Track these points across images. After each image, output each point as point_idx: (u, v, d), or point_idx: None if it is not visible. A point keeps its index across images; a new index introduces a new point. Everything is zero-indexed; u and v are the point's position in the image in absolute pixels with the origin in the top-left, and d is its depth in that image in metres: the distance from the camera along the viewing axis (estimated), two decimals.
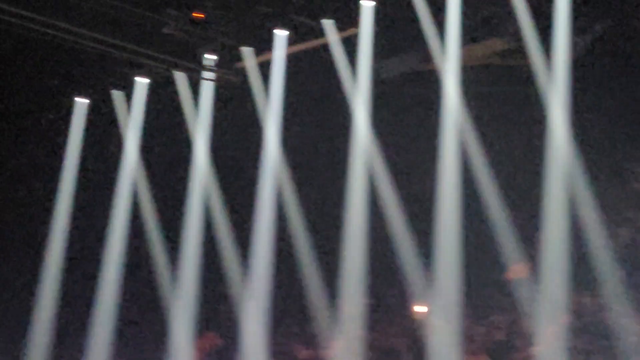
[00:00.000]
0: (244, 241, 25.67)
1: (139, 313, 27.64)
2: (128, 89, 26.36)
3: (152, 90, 26.35)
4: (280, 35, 24.25)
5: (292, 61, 25.30)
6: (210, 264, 26.16)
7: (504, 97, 25.59)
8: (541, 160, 23.18)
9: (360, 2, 23.24)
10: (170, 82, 26.06)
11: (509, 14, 22.55)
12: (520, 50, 23.24)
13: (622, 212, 26.33)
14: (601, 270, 23.17)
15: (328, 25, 23.81)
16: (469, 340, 24.69)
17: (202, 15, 23.34)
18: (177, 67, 25.23)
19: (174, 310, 26.13)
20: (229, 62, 24.87)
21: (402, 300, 25.24)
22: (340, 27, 23.93)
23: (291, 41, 24.65)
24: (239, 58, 25.15)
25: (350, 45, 24.27)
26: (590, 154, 23.43)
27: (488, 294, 25.53)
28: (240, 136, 27.04)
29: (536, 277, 23.66)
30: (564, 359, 22.75)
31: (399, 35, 23.97)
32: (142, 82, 26.02)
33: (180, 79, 25.92)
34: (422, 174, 24.60)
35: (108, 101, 26.78)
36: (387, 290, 26.17)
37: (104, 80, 26.15)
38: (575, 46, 22.98)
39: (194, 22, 23.42)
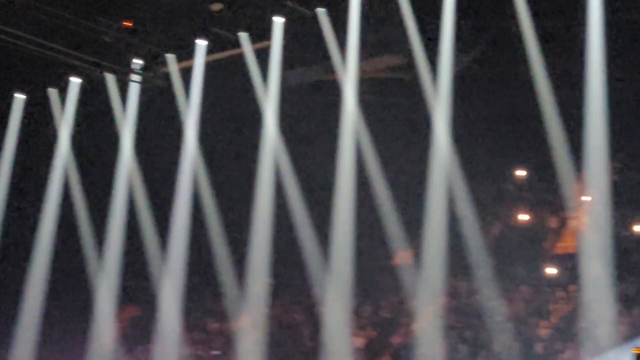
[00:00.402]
0: (164, 225, 25.79)
1: (66, 289, 27.34)
2: (64, 89, 26.32)
3: (85, 89, 26.32)
4: (201, 44, 24.44)
5: (213, 68, 25.38)
6: (132, 245, 26.24)
7: (395, 106, 26.01)
8: (426, 162, 23.72)
9: (273, 18, 23.43)
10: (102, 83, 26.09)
11: (402, 34, 23.02)
12: (410, 65, 23.69)
13: (494, 210, 27.21)
14: (474, 258, 23.91)
15: (244, 37, 24.08)
16: (358, 317, 25.26)
17: (131, 24, 23.57)
18: (107, 69, 25.25)
19: (98, 285, 26.17)
20: (155, 67, 25.01)
21: (302, 280, 25.28)
22: (255, 40, 24.19)
23: (212, 50, 24.85)
24: (164, 63, 25.28)
25: (264, 56, 24.44)
26: (468, 157, 24.07)
27: (376, 277, 26.05)
28: (163, 133, 26.96)
29: (418, 263, 24.25)
30: (440, 335, 23.49)
31: (306, 48, 24.34)
32: (75, 82, 25.90)
33: (111, 80, 25.88)
34: (324, 169, 24.72)
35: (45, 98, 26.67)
36: (289, 271, 26.41)
37: (42, 79, 25.98)
38: (458, 63, 23.67)
39: (124, 30, 23.63)
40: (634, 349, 8.25)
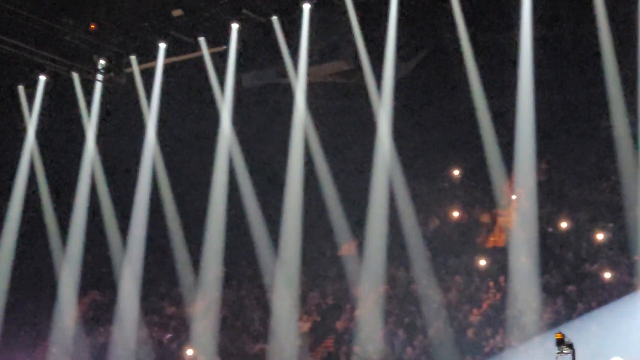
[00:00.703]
0: (126, 215, 25.71)
1: (32, 274, 27.25)
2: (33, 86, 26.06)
3: (53, 86, 26.05)
4: (162, 47, 24.31)
5: (173, 68, 25.32)
6: (94, 234, 26.07)
7: (342, 108, 26.08)
8: (370, 160, 23.94)
9: (231, 24, 23.38)
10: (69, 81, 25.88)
11: (349, 42, 23.15)
12: (357, 71, 23.79)
13: (431, 206, 27.42)
14: (412, 250, 24.26)
15: (202, 41, 24.02)
16: (305, 303, 25.24)
17: (95, 26, 23.31)
18: (74, 68, 24.97)
19: (62, 272, 25.96)
20: (118, 67, 24.73)
21: (253, 269, 25.41)
22: (212, 44, 24.17)
23: (172, 53, 24.70)
24: (127, 64, 25.09)
25: (222, 58, 24.46)
26: (408, 157, 24.37)
27: (323, 266, 26.10)
28: (126, 128, 26.75)
29: (361, 254, 24.50)
30: (380, 320, 23.63)
31: (260, 53, 24.20)
32: (43, 80, 25.61)
33: (76, 79, 25.63)
34: (275, 166, 24.88)
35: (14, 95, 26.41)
36: (241, 260, 26.50)
37: (10, 77, 25.70)
38: (400, 70, 23.91)
39: (90, 32, 23.45)
40: (556, 334, 8.45)
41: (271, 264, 24.53)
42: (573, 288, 22.93)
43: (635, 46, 20.86)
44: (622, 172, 22.61)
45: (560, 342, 8.33)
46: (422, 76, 25.32)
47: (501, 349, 21.71)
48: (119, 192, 26.44)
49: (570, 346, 8.19)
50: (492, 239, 26.46)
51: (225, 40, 23.94)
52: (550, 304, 22.42)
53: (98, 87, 25.57)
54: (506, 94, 22.64)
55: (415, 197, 24.68)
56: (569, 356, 7.44)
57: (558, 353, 7.62)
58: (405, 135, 24.36)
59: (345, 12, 22.59)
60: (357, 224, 24.86)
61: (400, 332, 23.56)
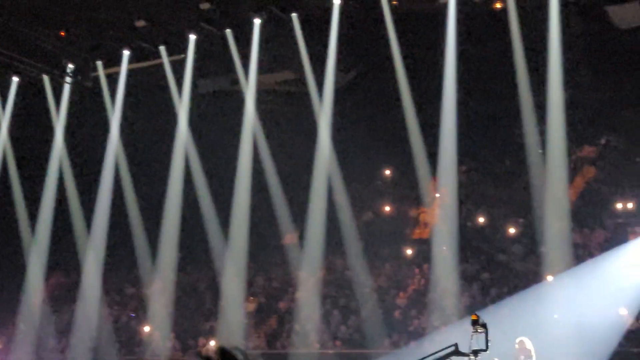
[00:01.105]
0: (90, 204, 25.56)
1: (3, 259, 26.89)
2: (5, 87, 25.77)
3: (26, 88, 25.87)
4: (126, 54, 24.25)
5: (137, 73, 25.25)
6: (61, 220, 25.94)
7: (287, 113, 26.19)
8: (311, 160, 24.12)
9: (189, 35, 23.44)
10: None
11: (295, 54, 23.37)
12: (300, 80, 24.10)
13: (365, 201, 27.73)
14: (348, 240, 24.52)
15: (163, 50, 24.07)
16: (251, 285, 25.47)
17: (64, 33, 23.28)
18: (44, 71, 24.94)
19: (30, 255, 25.89)
20: (85, 71, 24.76)
21: (206, 254, 25.36)
22: (172, 52, 24.19)
23: (135, 59, 24.63)
24: (94, 69, 25.07)
25: (180, 66, 24.45)
26: (346, 157, 24.59)
27: (268, 254, 26.22)
28: (92, 126, 26.62)
29: (303, 243, 24.68)
30: (318, 302, 23.87)
31: (215, 62, 24.35)
32: (16, 81, 25.39)
33: (47, 81, 25.53)
34: (227, 162, 24.79)
35: None
36: (195, 246, 26.40)
37: None
38: (339, 80, 24.19)
39: (59, 38, 23.37)
40: (472, 315, 8.71)
41: (222, 251, 24.50)
42: (487, 275, 23.46)
43: (544, 65, 21.48)
44: (532, 174, 23.08)
45: (475, 322, 8.60)
46: (360, 86, 25.59)
47: (424, 328, 22.02)
48: (84, 183, 26.23)
49: (484, 326, 8.48)
50: (417, 231, 26.76)
51: (184, 50, 23.93)
52: (467, 289, 22.88)
53: (67, 89, 25.42)
54: (433, 103, 22.95)
55: (351, 193, 24.82)
56: (483, 335, 7.79)
57: (473, 332, 7.94)
58: (344, 138, 24.53)
59: (291, 28, 22.74)
60: (299, 217, 25.01)
61: (336, 313, 23.93)
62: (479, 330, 8.41)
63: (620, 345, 18.95)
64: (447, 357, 6.75)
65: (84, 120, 26.27)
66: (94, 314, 23.94)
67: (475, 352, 7.44)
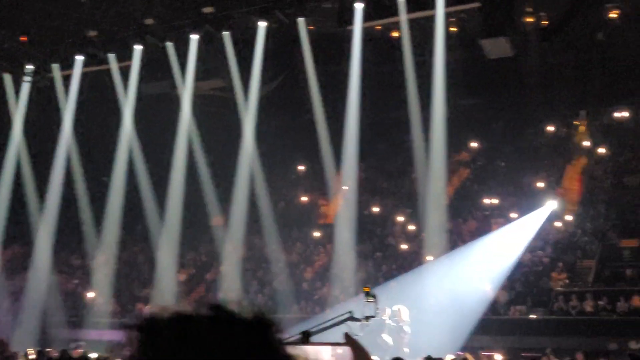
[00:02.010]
0: (44, 185, 24.41)
1: None
2: None
3: None
4: (79, 59, 23.23)
5: (89, 77, 24.26)
6: (17, 198, 24.69)
7: (218, 114, 25.60)
8: (237, 155, 23.68)
9: (134, 46, 22.59)
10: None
11: (226, 65, 22.85)
12: (229, 87, 23.54)
13: (282, 191, 27.56)
14: (266, 223, 24.16)
15: (112, 57, 23.13)
16: (183, 259, 24.87)
17: (25, 38, 22.37)
18: (5, 70, 23.71)
19: None
20: (43, 72, 23.52)
21: (144, 231, 24.69)
22: (120, 59, 23.23)
23: (88, 64, 23.56)
24: (50, 70, 23.83)
25: (126, 72, 23.61)
26: (266, 153, 24.23)
27: (198, 232, 25.61)
28: (48, 124, 25.57)
29: (228, 224, 24.36)
30: (239, 273, 23.45)
31: (157, 68, 23.60)
32: None
33: (8, 80, 24.29)
34: (165, 154, 24.10)
35: None
36: (135, 224, 25.82)
37: None
38: (263, 89, 23.79)
39: (21, 43, 22.33)
40: (364, 287, 8.49)
41: (158, 230, 23.79)
42: (379, 255, 23.50)
43: (430, 84, 21.57)
44: (418, 172, 23.24)
45: (367, 294, 8.42)
46: (280, 94, 25.21)
47: (327, 298, 21.87)
48: (40, 167, 25.00)
49: (374, 296, 8.32)
50: (324, 217, 26.85)
51: (130, 57, 23.05)
52: (363, 265, 22.81)
53: (25, 87, 24.15)
54: (339, 112, 22.84)
55: (269, 184, 24.51)
56: (373, 304, 7.61)
57: (365, 301, 7.76)
58: (266, 137, 24.13)
59: (223, 44, 22.21)
60: (226, 202, 24.56)
61: (254, 283, 23.58)
62: (370, 300, 8.26)
63: (484, 314, 19.14)
64: (343, 322, 6.60)
65: (40, 115, 24.98)
66: (44, 281, 22.91)
67: (367, 318, 7.36)
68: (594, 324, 17.81)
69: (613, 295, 18.36)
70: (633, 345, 15.72)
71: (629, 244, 20.84)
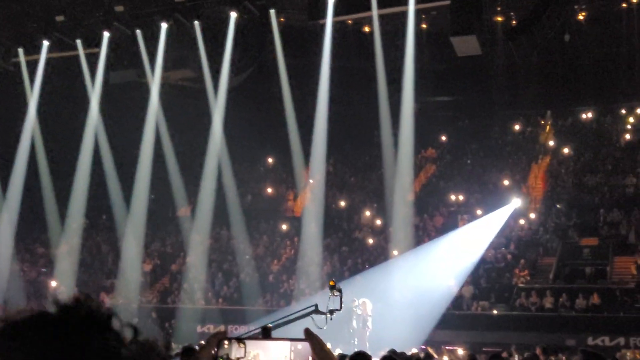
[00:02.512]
0: (6, 173, 23.72)
1: None
2: None
3: None
4: (45, 44, 22.71)
5: (57, 63, 23.80)
6: None
7: (187, 105, 25.07)
8: (205, 146, 23.57)
9: (103, 32, 22.24)
10: None
11: (195, 55, 22.58)
12: (199, 78, 23.28)
13: (250, 183, 27.36)
14: (233, 215, 23.97)
15: (79, 43, 22.72)
16: (148, 249, 24.52)
17: None
18: None
19: None
20: (7, 57, 23.04)
21: (110, 221, 24.45)
22: (87, 46, 22.86)
23: (55, 49, 23.13)
24: (16, 55, 23.33)
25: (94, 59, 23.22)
26: (235, 146, 23.96)
27: (164, 223, 25.36)
28: (12, 109, 24.98)
29: (194, 215, 24.27)
30: (205, 265, 23.22)
31: (125, 56, 23.10)
32: None
33: None
34: (132, 144, 23.76)
35: None
36: (100, 214, 25.54)
37: None
38: (233, 80, 23.60)
39: None
40: (330, 281, 8.44)
41: (124, 219, 23.47)
42: (346, 249, 23.48)
43: (399, 80, 21.65)
44: (386, 168, 23.33)
45: (332, 288, 8.35)
46: (249, 86, 24.97)
47: (292, 291, 21.79)
48: (3, 153, 24.16)
49: (339, 290, 8.26)
50: (292, 210, 26.68)
51: (98, 44, 22.65)
52: (329, 259, 22.82)
53: None
54: (309, 105, 22.80)
55: (237, 176, 24.38)
56: (338, 297, 7.60)
57: (330, 295, 7.74)
58: (234, 129, 23.81)
59: (193, 33, 21.95)
60: (193, 193, 24.39)
61: (220, 275, 23.37)
62: (335, 294, 8.15)
63: (447, 309, 19.29)
64: (308, 315, 6.55)
65: (5, 99, 24.38)
66: (6, 269, 22.40)
67: (331, 312, 7.28)
68: (553, 320, 18.07)
69: (572, 293, 18.66)
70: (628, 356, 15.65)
71: (589, 242, 21.19)
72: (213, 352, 1.57)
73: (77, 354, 1.10)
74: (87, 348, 1.10)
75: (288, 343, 1.55)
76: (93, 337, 1.12)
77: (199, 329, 20.83)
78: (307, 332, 1.67)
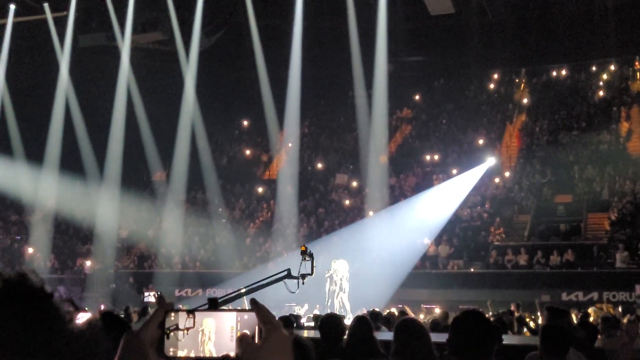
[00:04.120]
0: None
1: None
2: None
3: None
4: (11, 7, 21.96)
5: (24, 27, 22.87)
6: None
7: (158, 68, 24.42)
8: (178, 109, 23.25)
9: None
10: None
11: (166, 18, 22.17)
12: (170, 41, 22.81)
13: (225, 146, 27.04)
14: (208, 179, 23.75)
15: (46, 7, 21.98)
16: (124, 214, 23.72)
17: None
18: None
19: None
20: None
21: (84, 187, 23.28)
22: (55, 9, 22.13)
23: (22, 14, 22.38)
24: None
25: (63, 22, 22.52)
26: (208, 108, 23.66)
27: (140, 188, 24.74)
28: None
29: (170, 180, 23.89)
30: (182, 229, 22.59)
31: (95, 19, 22.59)
32: None
33: None
34: (104, 108, 23.06)
35: None
36: (76, 179, 23.98)
37: None
38: (204, 43, 23.21)
39: None
40: (301, 246, 8.31)
41: (99, 185, 22.89)
42: (322, 210, 23.35)
43: (373, 40, 21.28)
44: (360, 129, 23.12)
45: (304, 252, 8.24)
46: (222, 49, 24.51)
47: (269, 253, 21.59)
48: None
49: (311, 255, 8.15)
50: (267, 173, 26.50)
51: (66, 7, 21.95)
52: (306, 221, 22.72)
53: None
54: (282, 67, 22.36)
55: (212, 139, 24.06)
56: (310, 262, 7.51)
57: (302, 260, 7.64)
58: (207, 92, 23.40)
59: None
60: (167, 157, 23.99)
61: (196, 240, 23.00)
62: (307, 259, 8.08)
63: (424, 268, 19.29)
64: (281, 280, 6.49)
65: None
66: None
67: (303, 276, 7.27)
68: (528, 277, 18.13)
69: (547, 249, 18.70)
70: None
71: (563, 200, 21.22)
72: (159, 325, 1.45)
73: (16, 326, 1.17)
74: (27, 321, 1.17)
75: (234, 313, 1.37)
76: (32, 311, 1.18)
77: (177, 292, 20.63)
78: (254, 302, 1.55)
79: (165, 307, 1.47)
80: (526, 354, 4.41)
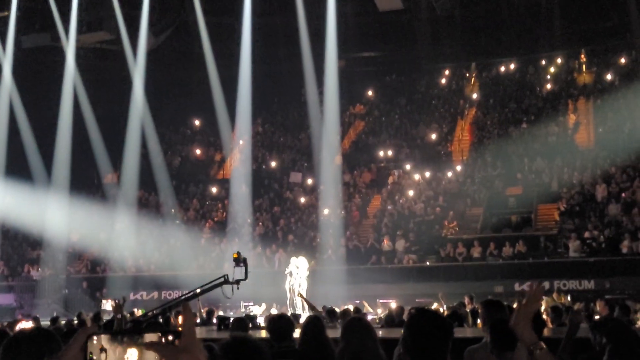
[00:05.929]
0: None
1: None
2: None
3: None
4: None
5: None
6: None
7: (105, 68, 24.19)
8: (127, 110, 22.90)
9: None
10: None
11: (112, 17, 21.71)
12: (116, 40, 22.39)
13: (176, 147, 26.59)
14: (160, 180, 23.42)
15: None
16: (74, 218, 23.54)
17: None
18: None
19: None
20: None
21: (32, 190, 22.94)
22: None
23: None
24: None
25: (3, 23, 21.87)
26: (158, 108, 23.43)
27: (90, 191, 24.46)
28: None
29: (120, 182, 23.69)
30: (135, 232, 22.14)
31: (38, 19, 22.04)
32: None
33: None
34: (49, 110, 22.69)
35: None
36: (22, 183, 23.85)
37: None
38: (151, 42, 22.86)
39: None
40: (234, 254, 8.19)
41: (47, 188, 22.33)
42: (278, 209, 23.30)
43: (323, 36, 21.33)
44: (314, 126, 23.14)
45: (237, 260, 8.23)
46: (171, 47, 24.20)
47: (223, 251, 21.43)
48: None
49: (244, 261, 8.19)
50: (221, 172, 26.23)
51: (7, 7, 21.32)
52: (260, 219, 22.56)
53: None
54: (232, 65, 22.23)
55: (163, 139, 23.78)
56: (243, 268, 7.49)
57: (235, 266, 7.59)
58: (155, 91, 23.10)
59: None
60: (118, 159, 23.55)
61: (150, 242, 22.67)
62: (240, 265, 8.17)
63: (380, 263, 19.46)
64: (218, 286, 6.51)
65: None
66: None
67: (237, 281, 7.31)
68: (481, 269, 18.43)
69: (499, 241, 19.03)
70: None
71: (514, 192, 21.56)
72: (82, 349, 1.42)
73: None
74: None
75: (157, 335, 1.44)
76: None
77: (131, 296, 20.34)
78: (184, 306, 1.58)
79: (88, 330, 1.46)
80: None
